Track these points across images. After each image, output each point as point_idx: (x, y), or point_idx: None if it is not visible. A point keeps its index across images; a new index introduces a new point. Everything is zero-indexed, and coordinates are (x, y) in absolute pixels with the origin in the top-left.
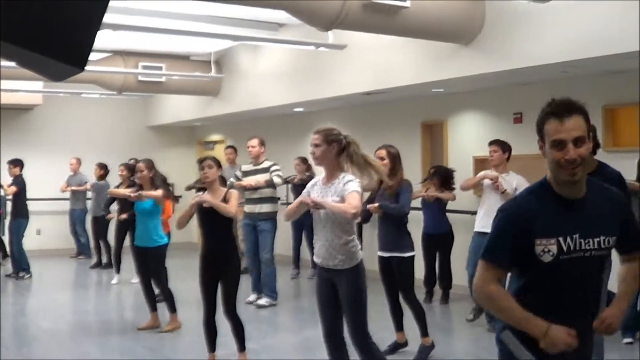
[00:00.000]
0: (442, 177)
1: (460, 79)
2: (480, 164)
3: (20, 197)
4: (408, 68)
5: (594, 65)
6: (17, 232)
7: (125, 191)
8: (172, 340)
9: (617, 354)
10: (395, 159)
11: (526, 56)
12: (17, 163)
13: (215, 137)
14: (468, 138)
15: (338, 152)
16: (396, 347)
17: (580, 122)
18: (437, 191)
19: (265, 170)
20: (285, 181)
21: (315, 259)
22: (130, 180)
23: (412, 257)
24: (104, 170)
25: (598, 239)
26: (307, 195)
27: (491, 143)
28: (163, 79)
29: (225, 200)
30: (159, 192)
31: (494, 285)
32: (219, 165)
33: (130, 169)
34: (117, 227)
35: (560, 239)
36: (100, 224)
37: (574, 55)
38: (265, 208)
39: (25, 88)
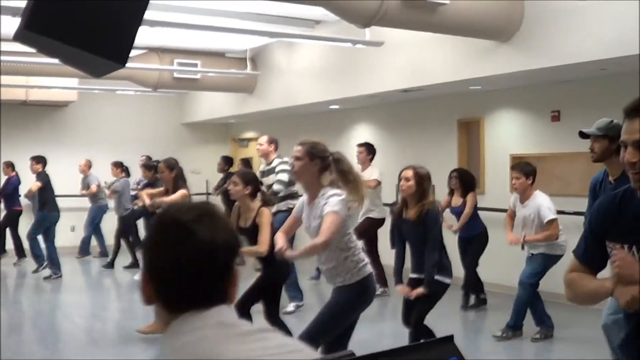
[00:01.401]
0: (464, 180)
1: (498, 76)
2: (518, 161)
3: (45, 192)
4: (445, 65)
5: (632, 63)
6: (41, 224)
7: (146, 199)
8: None
9: None
10: (423, 182)
11: (565, 53)
12: (39, 160)
13: (250, 134)
14: (505, 136)
15: (320, 169)
16: None
17: None
18: (460, 196)
19: (273, 171)
20: (290, 182)
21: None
22: (155, 178)
23: (447, 285)
24: (120, 168)
25: None
26: (299, 213)
27: (513, 168)
28: (198, 75)
29: (254, 222)
30: (176, 197)
31: (573, 273)
32: (247, 182)
33: (150, 167)
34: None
35: (634, 247)
36: (124, 223)
37: (613, 52)
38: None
39: (59, 85)
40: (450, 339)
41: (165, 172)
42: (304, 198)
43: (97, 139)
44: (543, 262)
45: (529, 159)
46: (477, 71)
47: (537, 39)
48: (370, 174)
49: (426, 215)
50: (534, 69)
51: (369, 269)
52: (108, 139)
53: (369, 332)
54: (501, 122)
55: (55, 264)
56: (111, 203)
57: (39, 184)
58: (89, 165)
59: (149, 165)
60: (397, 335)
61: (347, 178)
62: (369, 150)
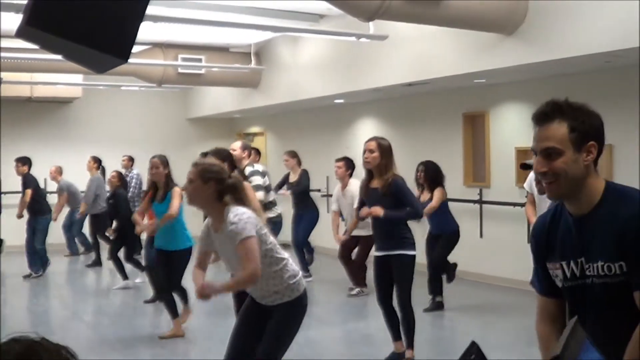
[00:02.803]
0: (431, 174)
1: (503, 69)
2: (523, 155)
3: (37, 196)
4: (450, 58)
5: (636, 56)
6: (44, 230)
7: (143, 226)
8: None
9: None
10: (386, 153)
11: (569, 46)
12: (25, 161)
13: (255, 129)
14: (510, 129)
15: (217, 192)
16: (394, 358)
17: (559, 131)
18: (427, 190)
19: (246, 177)
20: (267, 189)
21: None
22: (122, 182)
23: (414, 257)
24: (97, 163)
25: (596, 264)
26: (206, 244)
27: None
28: (203, 70)
29: None
30: (175, 206)
31: (541, 325)
32: (222, 159)
33: (132, 159)
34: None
35: (564, 263)
36: (100, 221)
37: (617, 45)
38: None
39: (64, 81)
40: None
41: (160, 169)
42: (207, 225)
43: (102, 135)
44: None
45: None
46: (482, 64)
47: (541, 32)
48: (353, 191)
49: (393, 187)
50: (538, 62)
51: (304, 283)
52: (113, 134)
53: (353, 329)
54: (506, 115)
55: (43, 264)
56: None
57: (29, 191)
58: (59, 171)
59: (132, 157)
60: (379, 331)
61: (248, 204)
62: (347, 165)
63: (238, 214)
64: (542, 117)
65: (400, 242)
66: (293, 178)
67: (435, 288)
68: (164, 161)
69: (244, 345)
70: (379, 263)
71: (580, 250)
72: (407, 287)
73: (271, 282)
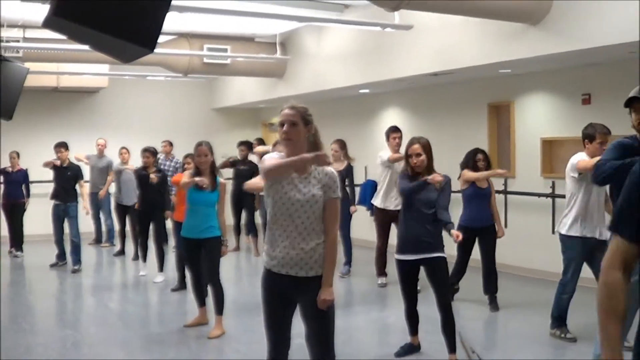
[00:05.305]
0: (465, 159)
1: (528, 59)
2: (548, 145)
3: (78, 182)
4: (475, 48)
5: None
6: (77, 217)
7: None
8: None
9: None
10: (429, 151)
11: (594, 36)
12: (67, 146)
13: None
14: (535, 119)
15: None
16: (411, 349)
17: None
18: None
19: None
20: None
21: (270, 264)
22: (155, 165)
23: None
24: (129, 154)
25: None
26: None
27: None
28: (228, 60)
29: None
30: (223, 205)
31: (612, 272)
32: None
33: (155, 153)
34: (140, 214)
35: None
36: (127, 211)
37: None
38: None
39: (90, 71)
40: None
41: (208, 156)
42: (275, 156)
43: (127, 125)
44: None
45: (560, 142)
46: (507, 54)
47: (567, 22)
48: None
49: (444, 183)
50: (563, 52)
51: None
52: (139, 124)
53: (376, 318)
54: (531, 105)
55: (78, 255)
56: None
57: (83, 182)
58: (106, 145)
59: (153, 151)
60: (397, 322)
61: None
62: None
63: (334, 172)
64: None
65: (440, 244)
66: (336, 168)
67: (491, 287)
68: (211, 148)
69: (286, 337)
70: (408, 266)
71: None
72: (448, 289)
73: (317, 247)
